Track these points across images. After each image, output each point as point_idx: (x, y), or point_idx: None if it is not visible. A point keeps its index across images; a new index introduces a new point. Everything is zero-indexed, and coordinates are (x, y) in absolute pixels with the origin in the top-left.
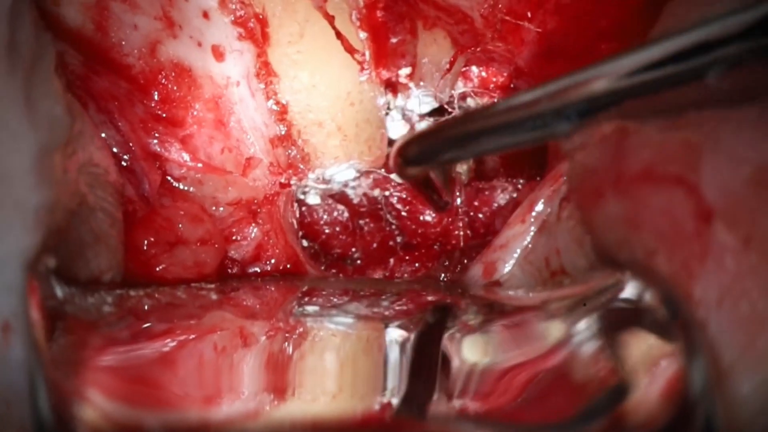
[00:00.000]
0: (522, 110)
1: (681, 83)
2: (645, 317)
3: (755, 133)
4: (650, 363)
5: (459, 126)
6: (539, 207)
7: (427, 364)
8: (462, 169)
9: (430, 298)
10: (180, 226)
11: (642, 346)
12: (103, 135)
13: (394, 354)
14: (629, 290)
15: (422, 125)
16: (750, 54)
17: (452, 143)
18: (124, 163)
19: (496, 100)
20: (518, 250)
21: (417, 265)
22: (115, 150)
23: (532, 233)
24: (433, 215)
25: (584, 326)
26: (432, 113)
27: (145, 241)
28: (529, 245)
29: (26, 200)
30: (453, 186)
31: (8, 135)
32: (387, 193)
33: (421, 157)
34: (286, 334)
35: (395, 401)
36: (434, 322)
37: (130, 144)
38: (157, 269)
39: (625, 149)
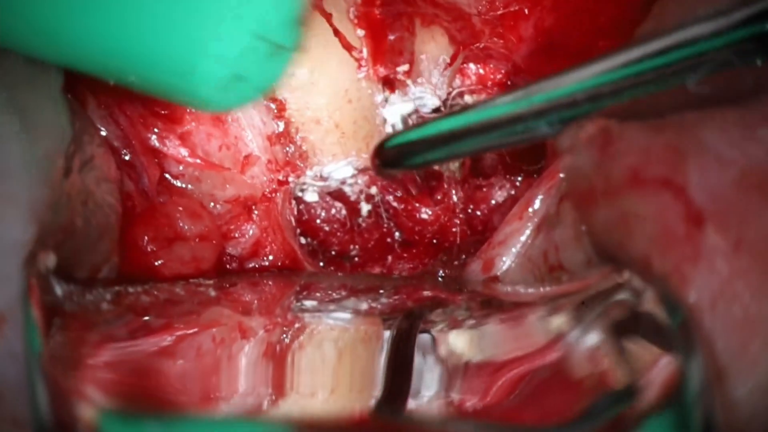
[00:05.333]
0: (501, 113)
1: (663, 85)
2: (643, 316)
3: (739, 133)
4: (649, 362)
5: (437, 128)
6: (537, 203)
7: (401, 361)
8: (454, 166)
9: (426, 294)
10: (179, 222)
11: (640, 344)
12: (103, 131)
13: (386, 349)
14: (628, 288)
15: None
16: (732, 56)
17: (430, 145)
18: (126, 157)
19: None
20: (516, 247)
21: (415, 262)
22: (115, 144)
23: (530, 229)
24: (430, 213)
25: (582, 323)
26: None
27: (145, 237)
28: (528, 241)
29: (21, 195)
30: (440, 182)
31: None
32: (384, 191)
33: (399, 159)
34: (284, 329)
35: None
36: (414, 318)
37: (130, 139)
38: (156, 264)
39: (611, 154)
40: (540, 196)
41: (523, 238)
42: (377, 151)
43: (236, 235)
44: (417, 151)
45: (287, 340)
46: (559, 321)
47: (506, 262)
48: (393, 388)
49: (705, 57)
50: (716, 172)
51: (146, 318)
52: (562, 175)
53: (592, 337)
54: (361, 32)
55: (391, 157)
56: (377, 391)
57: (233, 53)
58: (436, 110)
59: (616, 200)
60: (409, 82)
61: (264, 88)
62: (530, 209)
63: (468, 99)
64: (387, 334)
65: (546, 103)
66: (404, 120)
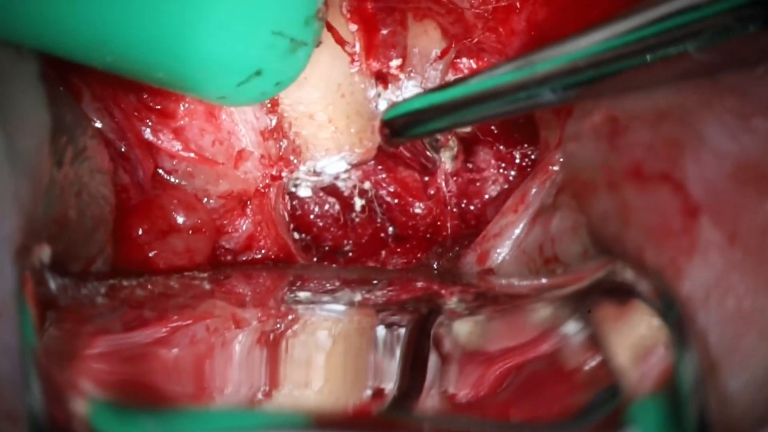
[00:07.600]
0: (504, 82)
1: (665, 53)
2: (636, 307)
3: (736, 124)
4: (641, 355)
5: (443, 96)
6: (532, 196)
7: (419, 358)
8: (446, 157)
9: (420, 285)
10: (174, 214)
11: (633, 338)
12: (97, 123)
13: (384, 341)
14: (622, 281)
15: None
16: (733, 22)
17: (437, 113)
18: (122, 149)
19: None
20: (511, 239)
21: (408, 257)
22: (110, 136)
23: (525, 222)
24: (423, 207)
25: (575, 315)
26: None
27: (139, 229)
28: (523, 234)
29: (6, 188)
30: (433, 176)
31: None
32: (378, 186)
33: (408, 127)
34: (278, 320)
35: (387, 388)
36: (426, 313)
37: (125, 131)
38: (150, 255)
39: (616, 146)
40: (534, 189)
41: (518, 231)
42: (386, 121)
43: (229, 230)
44: (426, 119)
45: (281, 334)
46: (552, 313)
47: (501, 254)
48: (409, 384)
49: (706, 23)
50: (713, 165)
51: (141, 312)
52: (556, 168)
53: (585, 329)
54: (353, 27)
55: (400, 127)
56: (372, 383)
57: (252, 49)
58: None
59: (616, 192)
60: (401, 76)
61: (283, 83)
62: (525, 202)
63: None
64: (381, 327)
65: (548, 69)
66: None
